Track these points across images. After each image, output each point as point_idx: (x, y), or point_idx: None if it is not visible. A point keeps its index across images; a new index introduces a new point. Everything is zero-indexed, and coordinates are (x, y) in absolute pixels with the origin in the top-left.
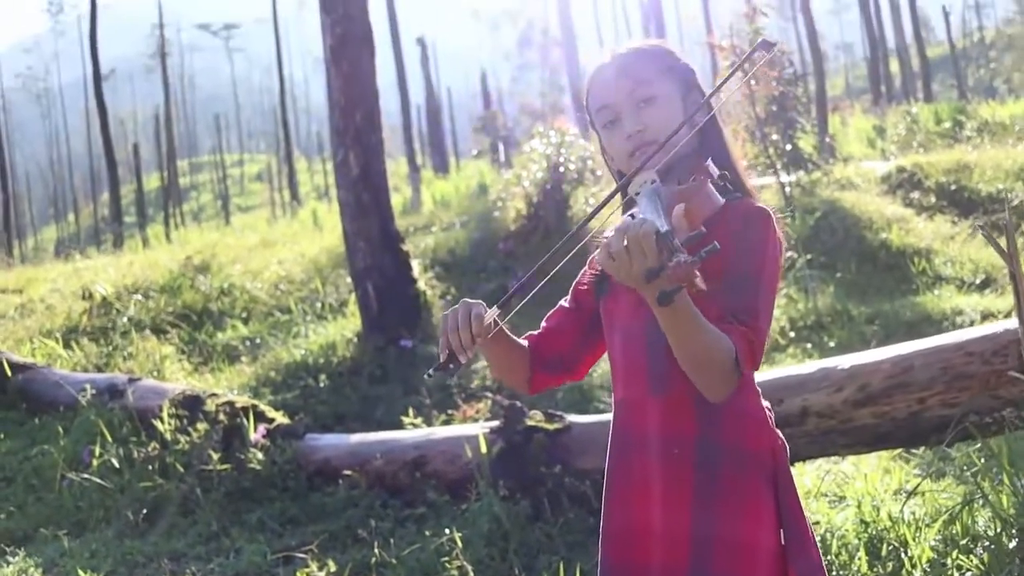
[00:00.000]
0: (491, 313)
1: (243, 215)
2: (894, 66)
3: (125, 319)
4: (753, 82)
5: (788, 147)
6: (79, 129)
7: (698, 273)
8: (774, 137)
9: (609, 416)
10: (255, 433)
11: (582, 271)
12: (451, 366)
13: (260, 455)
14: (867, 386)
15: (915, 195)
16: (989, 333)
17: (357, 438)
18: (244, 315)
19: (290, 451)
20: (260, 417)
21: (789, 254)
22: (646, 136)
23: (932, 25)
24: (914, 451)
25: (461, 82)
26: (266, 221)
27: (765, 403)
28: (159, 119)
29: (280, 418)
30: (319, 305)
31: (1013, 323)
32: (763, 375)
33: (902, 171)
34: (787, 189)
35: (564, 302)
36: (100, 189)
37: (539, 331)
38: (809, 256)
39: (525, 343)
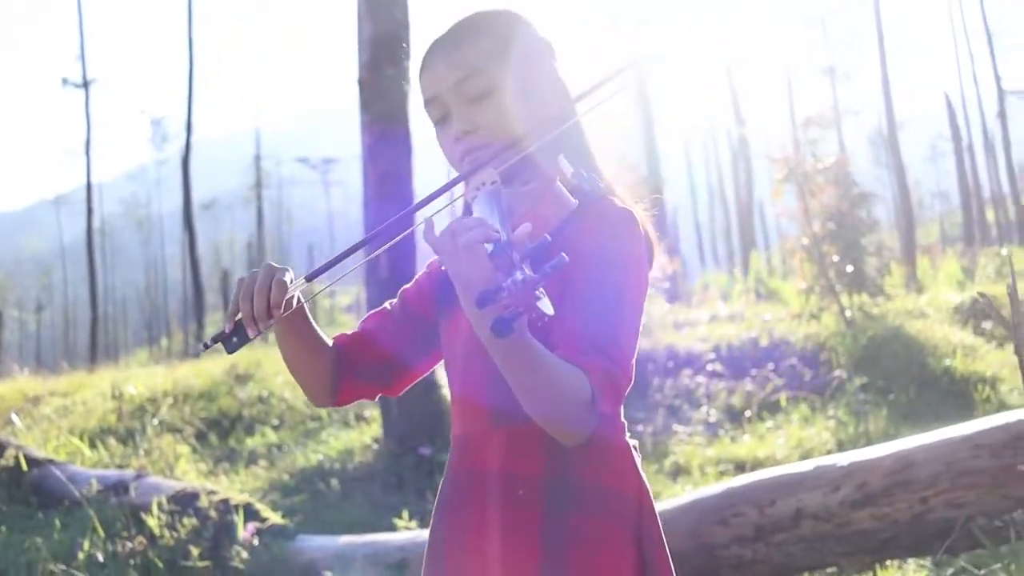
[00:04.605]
0: (297, 283)
1: None
2: (991, 214)
3: (156, 422)
4: (809, 196)
5: (849, 268)
6: (176, 256)
7: (542, 294)
8: (834, 258)
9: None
10: (244, 531)
11: (418, 275)
12: (235, 339)
13: (245, 554)
14: (866, 484)
15: (987, 325)
16: (1000, 424)
17: (346, 540)
18: (277, 423)
19: (277, 551)
20: (254, 516)
21: (837, 373)
22: (478, 138)
23: None
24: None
25: None
26: None
27: (632, 441)
28: (252, 248)
29: (275, 518)
30: (349, 413)
31: None
32: (758, 475)
33: (977, 302)
34: (847, 312)
35: (388, 305)
36: (193, 315)
37: (352, 332)
38: (866, 379)
39: (330, 343)
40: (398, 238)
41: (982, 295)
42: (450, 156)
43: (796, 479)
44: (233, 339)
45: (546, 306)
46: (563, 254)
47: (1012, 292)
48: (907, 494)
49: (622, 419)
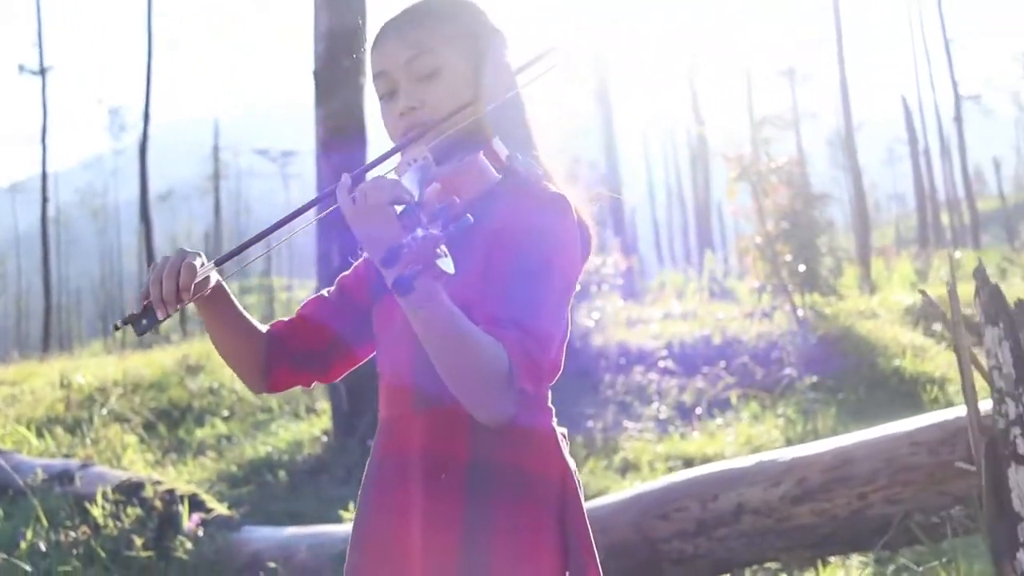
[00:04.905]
0: (207, 267)
1: None
2: (946, 218)
3: (105, 411)
4: (763, 195)
5: (801, 267)
6: (133, 247)
7: (444, 252)
8: (787, 257)
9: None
10: (189, 522)
11: (356, 263)
12: (144, 321)
13: (189, 544)
14: (805, 480)
15: (937, 327)
16: (938, 421)
17: (291, 531)
18: (227, 414)
19: (222, 542)
20: (199, 506)
21: (787, 371)
22: (422, 115)
23: (986, 178)
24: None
25: None
26: None
27: (561, 428)
28: (209, 239)
29: (220, 508)
30: (300, 405)
31: (964, 410)
32: (700, 469)
33: (927, 303)
34: (799, 311)
35: (326, 292)
36: None
37: (289, 319)
38: (816, 378)
39: (264, 328)
40: (323, 214)
41: (923, 292)
42: (392, 131)
43: (737, 474)
44: (143, 321)
45: (446, 265)
46: (468, 215)
47: (951, 291)
48: (846, 490)
49: (549, 404)
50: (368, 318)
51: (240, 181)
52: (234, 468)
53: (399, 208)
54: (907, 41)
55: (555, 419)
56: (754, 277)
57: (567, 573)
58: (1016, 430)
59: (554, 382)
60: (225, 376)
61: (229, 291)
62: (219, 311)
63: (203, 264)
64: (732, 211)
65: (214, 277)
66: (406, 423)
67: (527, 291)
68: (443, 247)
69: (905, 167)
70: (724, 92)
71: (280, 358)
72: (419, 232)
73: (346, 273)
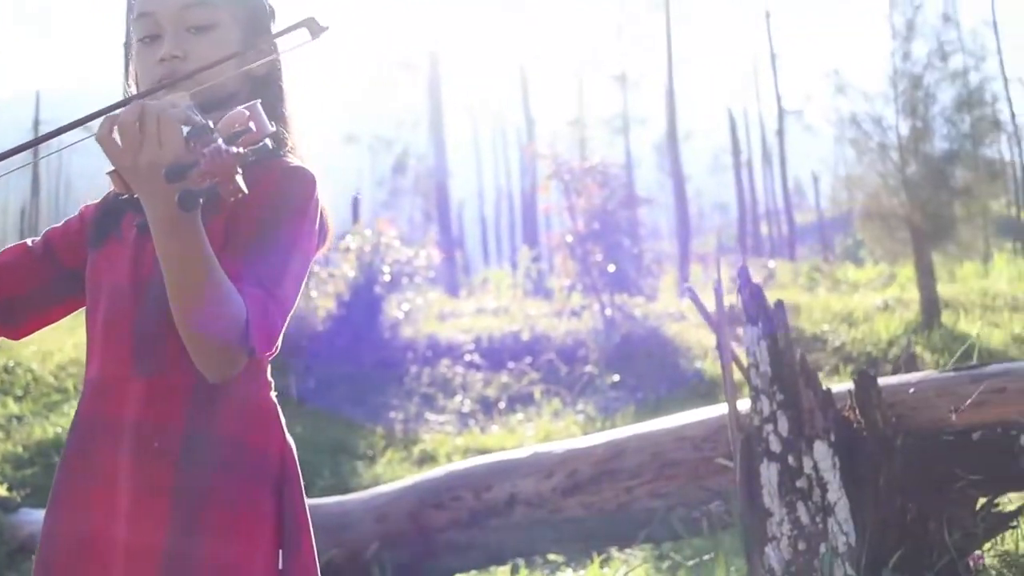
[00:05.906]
0: None
1: None
2: (766, 228)
3: None
4: (575, 195)
5: (611, 268)
6: None
7: (240, 171)
8: (598, 257)
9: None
10: None
11: (69, 218)
12: None
13: None
14: (577, 472)
15: (741, 331)
16: (704, 418)
17: None
18: (20, 394)
19: None
20: None
21: (588, 369)
22: (183, 67)
23: (805, 191)
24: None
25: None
26: None
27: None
28: (25, 215)
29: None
30: None
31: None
32: (478, 460)
33: (732, 308)
34: (607, 311)
35: (30, 242)
36: None
37: None
38: (618, 377)
39: None
40: (61, 148)
41: (690, 289)
42: (147, 76)
43: (512, 465)
44: None
45: (243, 183)
46: (267, 141)
47: (717, 291)
48: (614, 483)
49: (269, 377)
50: (68, 277)
51: (61, 157)
52: (20, 449)
53: (186, 129)
54: (736, 54)
55: (274, 392)
56: (564, 275)
57: (281, 550)
58: (769, 427)
59: (271, 357)
60: (21, 355)
61: None
62: None
63: None
64: (543, 209)
65: None
66: (121, 387)
67: (271, 256)
68: (239, 168)
69: (728, 177)
70: (556, 92)
71: None
72: (221, 144)
73: (56, 226)
